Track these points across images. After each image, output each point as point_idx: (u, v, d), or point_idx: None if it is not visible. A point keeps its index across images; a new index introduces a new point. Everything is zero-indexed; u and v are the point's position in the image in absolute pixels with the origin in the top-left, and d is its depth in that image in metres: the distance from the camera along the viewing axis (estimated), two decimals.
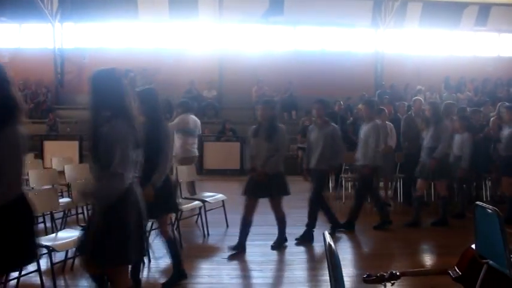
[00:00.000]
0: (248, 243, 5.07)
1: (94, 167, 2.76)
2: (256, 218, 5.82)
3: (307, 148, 6.01)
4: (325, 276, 1.95)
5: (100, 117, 2.68)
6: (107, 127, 2.63)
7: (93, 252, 2.68)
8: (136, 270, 3.69)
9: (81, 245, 2.82)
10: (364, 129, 6.11)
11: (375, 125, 6.00)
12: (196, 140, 7.48)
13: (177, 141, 6.94)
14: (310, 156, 5.73)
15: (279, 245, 5.13)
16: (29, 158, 6.65)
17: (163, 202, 3.89)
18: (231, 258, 4.73)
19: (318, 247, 5.07)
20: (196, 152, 7.49)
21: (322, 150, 5.56)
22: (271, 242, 5.26)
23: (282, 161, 4.95)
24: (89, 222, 2.88)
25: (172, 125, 6.86)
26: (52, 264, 3.54)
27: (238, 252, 4.83)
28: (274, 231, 5.85)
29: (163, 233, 4.01)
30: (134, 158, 2.76)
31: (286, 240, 5.26)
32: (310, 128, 5.97)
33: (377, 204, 6.33)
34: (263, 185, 4.81)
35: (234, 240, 5.31)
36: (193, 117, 7.44)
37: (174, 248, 3.98)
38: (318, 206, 5.63)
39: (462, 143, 6.76)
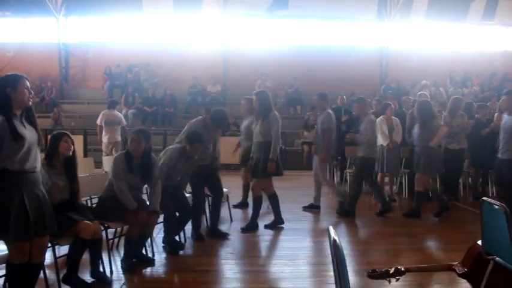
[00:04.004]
0: (252, 238, 5.06)
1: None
2: (264, 213, 5.81)
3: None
4: (330, 271, 1.93)
5: None
6: None
7: None
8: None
9: None
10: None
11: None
12: (118, 130, 9.44)
13: (104, 131, 9.32)
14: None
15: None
16: None
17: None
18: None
19: (322, 242, 5.05)
20: (118, 138, 9.43)
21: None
22: (280, 236, 5.24)
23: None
24: None
25: (99, 118, 9.37)
26: (56, 258, 3.54)
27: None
28: (283, 225, 5.78)
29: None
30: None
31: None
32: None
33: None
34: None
35: (238, 235, 5.33)
36: (115, 111, 9.54)
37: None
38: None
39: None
